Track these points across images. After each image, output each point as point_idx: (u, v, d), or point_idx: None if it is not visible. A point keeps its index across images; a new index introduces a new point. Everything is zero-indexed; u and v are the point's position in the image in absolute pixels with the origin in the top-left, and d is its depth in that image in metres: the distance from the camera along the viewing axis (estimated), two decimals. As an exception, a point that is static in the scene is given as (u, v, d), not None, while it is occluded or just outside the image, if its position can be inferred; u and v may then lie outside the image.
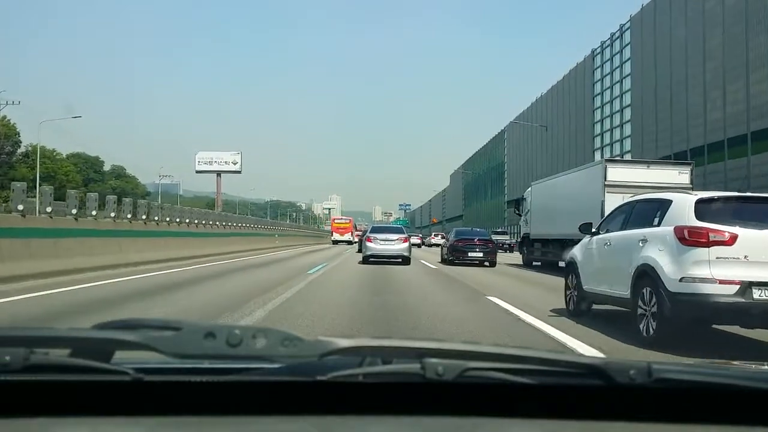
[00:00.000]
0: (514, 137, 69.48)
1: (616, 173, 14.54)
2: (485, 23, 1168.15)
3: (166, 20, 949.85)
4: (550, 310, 7.76)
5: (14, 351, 0.92)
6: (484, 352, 1.03)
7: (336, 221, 67.41)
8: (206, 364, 1.04)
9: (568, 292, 7.50)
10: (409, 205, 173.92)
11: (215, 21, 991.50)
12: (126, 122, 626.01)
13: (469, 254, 19.92)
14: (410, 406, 1.01)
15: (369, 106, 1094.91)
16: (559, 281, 8.68)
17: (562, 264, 17.33)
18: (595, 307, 7.18)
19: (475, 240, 20.52)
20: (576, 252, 7.49)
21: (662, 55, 35.60)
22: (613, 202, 13.41)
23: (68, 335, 1.05)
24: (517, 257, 29.76)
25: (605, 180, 14.36)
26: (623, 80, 42.56)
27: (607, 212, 13.08)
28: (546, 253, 18.62)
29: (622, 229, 6.44)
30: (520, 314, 7.31)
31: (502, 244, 36.20)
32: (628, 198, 12.78)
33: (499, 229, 46.41)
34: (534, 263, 20.19)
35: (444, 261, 21.34)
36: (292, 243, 42.46)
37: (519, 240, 22.76)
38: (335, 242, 51.75)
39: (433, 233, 63.25)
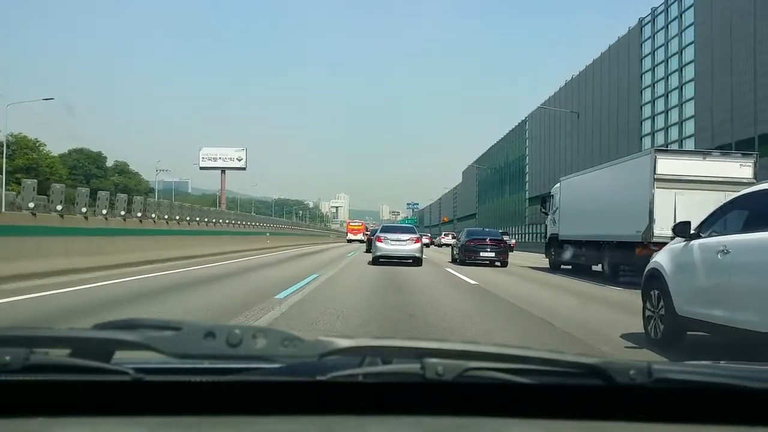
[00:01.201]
0: (538, 128, 62.01)
1: (668, 165, 12.53)
2: (487, 21, 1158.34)
3: (167, 21, 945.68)
4: (621, 336, 6.12)
5: (14, 351, 0.92)
6: (485, 352, 1.02)
7: (351, 224, 72.70)
8: (206, 364, 1.03)
9: (649, 314, 5.73)
10: (417, 203, 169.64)
11: (216, 20, 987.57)
12: (130, 121, 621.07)
13: (481, 254, 19.80)
14: (410, 406, 1.00)
15: (376, 105, 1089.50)
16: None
17: (596, 268, 16.00)
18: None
19: (487, 240, 20.36)
20: (662, 261, 5.66)
21: (741, 7, 27.85)
22: (664, 199, 12.07)
23: (68, 335, 1.04)
24: (517, 257, 28.10)
25: (654, 173, 12.42)
26: (683, 51, 35.07)
27: (657, 210, 11.95)
28: (578, 256, 16.72)
29: (746, 230, 4.75)
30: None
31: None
32: (681, 194, 11.70)
33: (500, 230, 40.73)
34: (563, 267, 18.43)
35: (455, 261, 21.34)
36: (288, 243, 36.84)
37: (545, 241, 20.88)
38: (350, 241, 56.44)
39: (444, 233, 59.94)
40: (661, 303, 5.52)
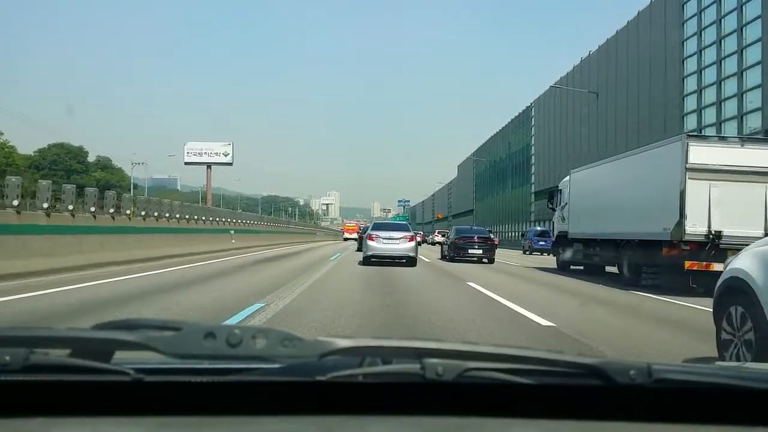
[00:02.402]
0: (546, 114, 55.38)
1: (701, 153, 10.76)
2: (485, 19, 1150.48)
3: (164, 21, 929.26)
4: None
5: (14, 351, 0.91)
6: (484, 352, 1.02)
7: (346, 224, 74.61)
8: (206, 365, 1.02)
9: (727, 338, 4.46)
10: (409, 201, 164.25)
11: (212, 19, 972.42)
12: (119, 119, 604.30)
13: (469, 251, 20.59)
14: (410, 406, 0.99)
15: (371, 104, 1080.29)
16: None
17: (610, 269, 15.21)
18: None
19: (475, 238, 21.06)
20: (748, 269, 4.20)
21: None
22: (696, 191, 10.57)
23: (68, 335, 1.03)
24: (522, 257, 27.33)
25: (686, 162, 10.69)
26: (743, 6, 27.98)
27: (689, 205, 10.62)
28: (591, 256, 15.32)
29: None
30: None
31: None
32: (716, 187, 10.67)
33: (487, 229, 41.65)
34: (572, 267, 17.11)
35: (444, 258, 22.19)
36: (263, 243, 30.06)
37: (553, 239, 19.66)
38: (346, 239, 56.19)
39: (437, 231, 58.33)
40: (748, 324, 4.17)
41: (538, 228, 39.76)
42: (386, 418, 0.97)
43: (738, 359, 4.32)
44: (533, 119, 61.24)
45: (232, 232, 26.15)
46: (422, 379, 0.94)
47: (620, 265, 13.48)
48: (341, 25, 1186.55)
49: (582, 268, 16.69)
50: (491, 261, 20.43)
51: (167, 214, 19.04)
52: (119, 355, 0.99)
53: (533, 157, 60.82)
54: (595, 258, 15.07)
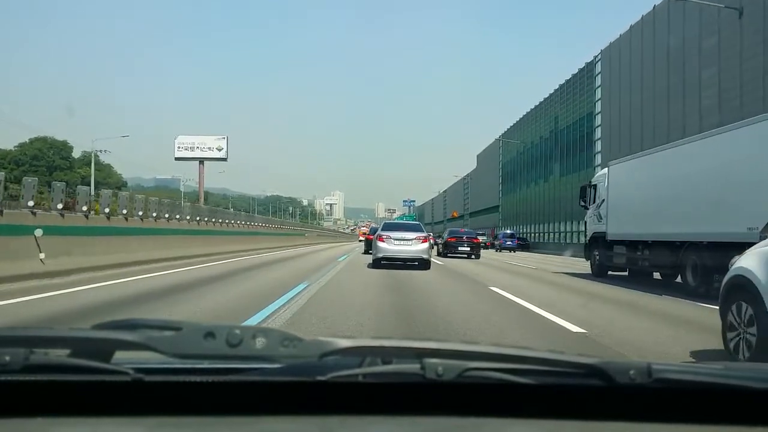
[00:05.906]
0: (623, 67, 37.65)
1: None
2: (487, 18, 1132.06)
3: (166, 18, 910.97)
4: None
5: (14, 351, 0.92)
6: (484, 352, 1.02)
7: (362, 229, 75.16)
8: (206, 364, 1.02)
9: (733, 332, 4.69)
10: (414, 201, 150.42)
11: (216, 18, 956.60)
12: (117, 117, 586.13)
13: (459, 248, 25.60)
14: (410, 406, 1.00)
15: (375, 103, 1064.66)
16: None
17: (657, 275, 14.20)
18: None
19: (464, 238, 26.37)
20: (751, 267, 4.53)
21: None
22: None
23: (68, 335, 1.03)
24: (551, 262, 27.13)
25: None
26: None
27: None
28: (637, 261, 13.38)
29: None
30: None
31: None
32: None
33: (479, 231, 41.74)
34: (611, 273, 15.46)
35: (439, 254, 26.37)
36: (180, 252, 16.64)
37: (586, 242, 17.24)
38: (360, 241, 53.52)
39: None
40: (750, 318, 4.49)
41: (508, 231, 49.54)
42: (386, 418, 0.96)
43: (741, 351, 4.56)
44: (598, 78, 44.13)
45: (40, 233, 9.31)
46: (422, 379, 0.93)
47: (684, 272, 11.30)
48: (343, 22, 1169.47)
49: (626, 273, 14.93)
50: (477, 257, 25.34)
51: None
52: (119, 355, 0.97)
53: (598, 131, 43.75)
54: (644, 262, 13.08)
